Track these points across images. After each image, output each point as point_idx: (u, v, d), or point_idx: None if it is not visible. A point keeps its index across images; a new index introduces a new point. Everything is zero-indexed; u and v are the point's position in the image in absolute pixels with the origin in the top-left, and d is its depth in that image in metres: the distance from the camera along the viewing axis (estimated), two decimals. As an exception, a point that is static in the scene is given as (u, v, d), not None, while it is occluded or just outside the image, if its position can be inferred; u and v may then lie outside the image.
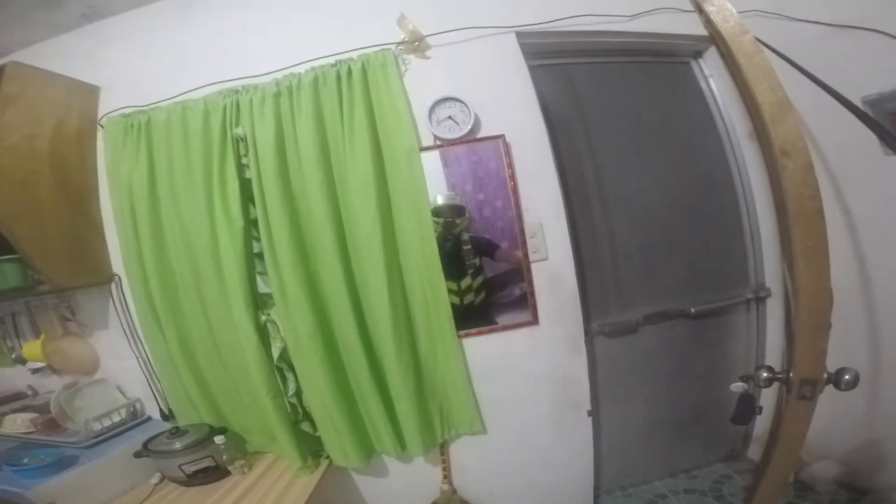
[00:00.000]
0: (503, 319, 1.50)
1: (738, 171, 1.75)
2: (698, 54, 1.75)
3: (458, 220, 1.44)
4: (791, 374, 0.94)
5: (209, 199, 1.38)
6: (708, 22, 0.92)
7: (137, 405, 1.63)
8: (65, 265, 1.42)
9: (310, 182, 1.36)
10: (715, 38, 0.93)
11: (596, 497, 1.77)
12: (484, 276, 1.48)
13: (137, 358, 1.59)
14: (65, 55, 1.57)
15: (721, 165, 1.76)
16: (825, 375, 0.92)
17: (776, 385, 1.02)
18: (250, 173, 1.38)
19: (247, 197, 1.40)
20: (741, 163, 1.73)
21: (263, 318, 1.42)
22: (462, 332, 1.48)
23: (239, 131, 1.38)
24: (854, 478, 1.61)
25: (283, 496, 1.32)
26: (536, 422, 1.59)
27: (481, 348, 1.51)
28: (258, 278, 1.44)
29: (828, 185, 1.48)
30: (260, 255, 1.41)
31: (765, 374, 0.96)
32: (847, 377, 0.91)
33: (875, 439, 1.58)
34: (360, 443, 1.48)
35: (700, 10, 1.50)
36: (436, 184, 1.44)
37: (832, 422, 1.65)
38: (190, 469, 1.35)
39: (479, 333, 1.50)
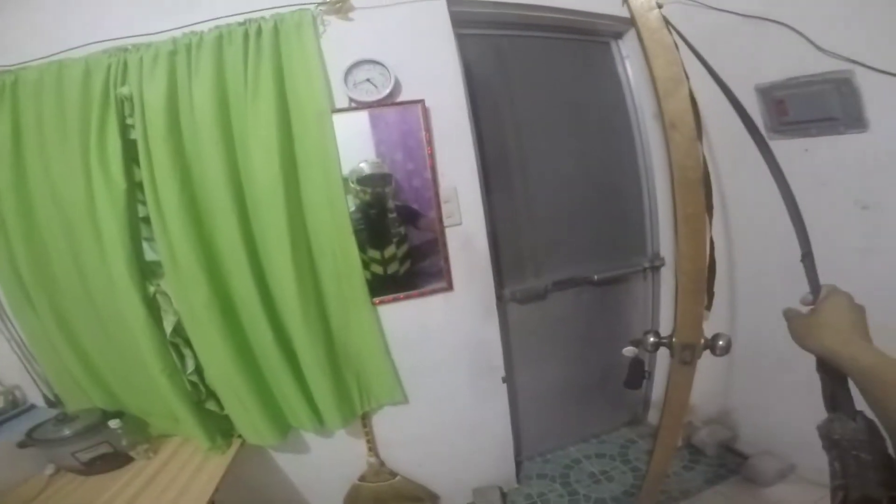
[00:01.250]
0: (425, 287, 1.50)
1: (641, 147, 1.87)
2: (618, 35, 1.82)
3: (386, 189, 1.40)
4: (674, 340, 1.00)
5: (85, 161, 1.24)
6: (624, 1, 0.92)
7: (17, 392, 1.46)
8: None
9: (205, 142, 1.25)
10: (630, 16, 0.93)
11: (518, 463, 1.86)
12: (409, 246, 1.46)
13: (10, 340, 1.42)
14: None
15: (627, 142, 1.87)
16: (702, 340, 0.98)
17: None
18: (135, 133, 1.25)
19: (131, 159, 1.27)
20: (645, 141, 1.85)
21: (152, 288, 1.31)
22: (377, 300, 1.45)
23: (125, 90, 1.24)
24: (735, 441, 1.79)
25: (193, 479, 1.26)
26: (455, 389, 1.63)
27: (398, 315, 1.50)
28: (145, 245, 1.32)
29: (715, 164, 1.63)
30: (147, 220, 1.29)
31: (651, 339, 1.01)
32: (721, 343, 0.98)
33: (750, 406, 1.76)
34: (273, 419, 1.42)
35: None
36: (364, 148, 1.39)
37: (714, 386, 1.83)
38: (85, 457, 1.26)
39: (395, 300, 1.48)
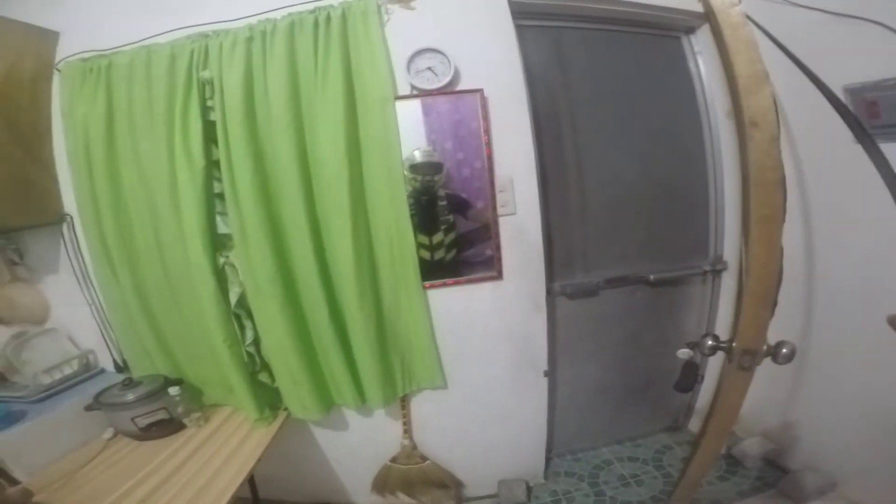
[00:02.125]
0: (471, 275, 1.52)
1: (711, 147, 1.79)
2: (690, 30, 1.74)
3: (436, 178, 1.43)
4: (734, 344, 0.97)
5: (170, 139, 1.33)
6: None
7: (91, 357, 1.58)
8: (10, 205, 1.35)
9: (277, 124, 1.32)
10: (707, 11, 0.90)
11: (548, 460, 1.85)
12: (457, 234, 1.48)
13: (90, 305, 1.54)
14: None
15: (696, 140, 1.79)
16: (765, 347, 0.96)
17: (721, 361, 1.06)
18: (215, 115, 1.33)
19: (210, 139, 1.36)
20: (716, 140, 1.77)
21: (222, 260, 1.39)
22: (427, 283, 1.48)
23: (206, 74, 1.32)
24: (779, 456, 1.72)
25: (238, 448, 1.32)
26: (495, 378, 1.64)
27: (445, 301, 1.53)
28: (218, 219, 1.40)
29: (791, 165, 1.54)
30: (221, 196, 1.37)
31: (709, 342, 1.00)
32: (785, 350, 0.95)
33: (798, 420, 1.68)
34: (319, 394, 1.48)
35: (694, -17, 1.48)
36: (416, 136, 1.41)
37: (763, 399, 1.76)
38: (143, 422, 1.33)
39: (444, 285, 1.51)
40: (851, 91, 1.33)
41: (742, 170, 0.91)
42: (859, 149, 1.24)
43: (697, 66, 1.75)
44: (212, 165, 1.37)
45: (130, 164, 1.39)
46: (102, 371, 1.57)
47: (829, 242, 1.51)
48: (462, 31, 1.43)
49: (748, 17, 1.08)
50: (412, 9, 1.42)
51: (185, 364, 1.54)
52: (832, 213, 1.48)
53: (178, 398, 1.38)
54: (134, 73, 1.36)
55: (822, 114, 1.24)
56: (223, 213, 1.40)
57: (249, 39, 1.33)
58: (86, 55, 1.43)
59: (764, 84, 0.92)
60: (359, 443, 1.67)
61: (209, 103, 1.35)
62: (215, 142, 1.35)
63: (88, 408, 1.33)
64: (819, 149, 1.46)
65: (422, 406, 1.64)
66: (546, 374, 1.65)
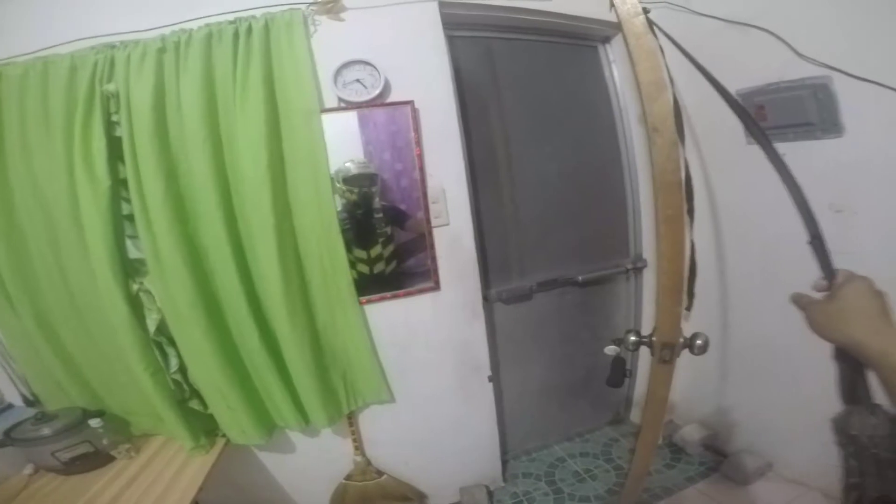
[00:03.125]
0: (409, 287, 1.51)
1: (626, 151, 1.90)
2: (606, 40, 1.84)
3: (373, 189, 1.40)
4: (653, 339, 1.02)
5: (69, 158, 1.23)
6: (612, 5, 0.94)
7: None
8: None
9: (191, 139, 1.25)
10: (618, 20, 0.95)
11: (504, 462, 1.87)
12: (395, 245, 1.46)
13: None
14: None
15: (612, 145, 1.90)
16: (681, 340, 1.01)
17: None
18: (121, 131, 1.24)
19: (116, 156, 1.26)
20: (629, 144, 1.88)
21: (135, 287, 1.30)
22: (363, 299, 1.46)
23: (110, 87, 1.23)
24: (716, 440, 1.83)
25: (176, 478, 1.25)
26: (442, 388, 1.64)
27: (385, 314, 1.51)
28: (128, 242, 1.31)
29: (698, 166, 1.67)
30: (130, 218, 1.28)
31: (632, 338, 1.04)
32: (699, 342, 1.00)
33: (728, 405, 1.80)
34: (258, 418, 1.41)
35: (607, -8, 1.57)
36: (352, 149, 1.39)
37: (695, 388, 1.87)
38: (65, 456, 1.24)
39: (382, 300, 1.49)
40: (742, 95, 1.45)
41: (652, 175, 0.97)
42: (754, 149, 1.36)
43: (612, 73, 1.86)
44: (119, 185, 1.27)
45: (24, 185, 1.26)
46: (10, 406, 1.43)
47: (736, 236, 1.64)
48: (393, 43, 1.42)
49: (654, 26, 1.14)
50: (341, 20, 1.40)
51: (104, 395, 1.43)
52: (734, 210, 1.61)
53: (101, 430, 1.29)
54: (28, 86, 1.24)
55: (722, 117, 1.34)
56: (133, 237, 1.30)
57: (161, 50, 1.25)
58: None
59: (664, 91, 0.98)
60: (309, 463, 1.61)
61: (114, 118, 1.25)
62: (122, 159, 1.26)
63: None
64: (722, 150, 1.59)
65: (372, 421, 1.61)
66: (490, 378, 1.67)
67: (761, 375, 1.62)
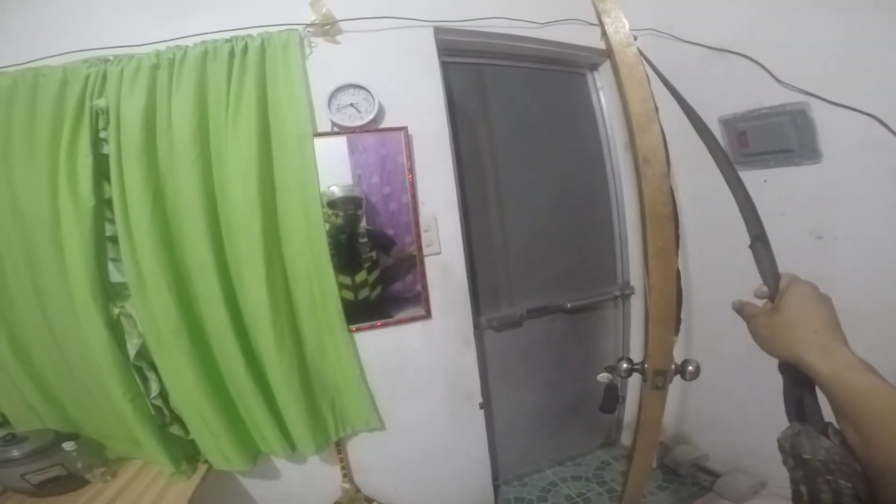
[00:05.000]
0: (400, 315, 1.49)
1: (613, 178, 1.93)
2: (594, 67, 1.89)
3: (358, 213, 1.39)
4: (646, 366, 1.02)
5: (53, 175, 1.19)
6: (604, 33, 0.96)
7: None
8: None
9: (181, 161, 1.22)
10: (607, 49, 0.97)
11: (496, 488, 1.84)
12: (381, 271, 1.45)
13: None
14: None
15: (599, 173, 1.93)
16: (673, 366, 1.01)
17: (640, 379, 1.11)
18: (108, 148, 1.21)
19: (102, 175, 1.23)
20: (616, 171, 1.92)
21: (116, 311, 1.25)
22: (353, 327, 1.43)
23: (100, 102, 1.20)
24: (707, 461, 1.83)
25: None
26: (432, 415, 1.61)
27: (375, 342, 1.48)
28: (110, 265, 1.26)
29: (681, 194, 1.68)
30: (114, 239, 1.24)
31: (625, 366, 1.03)
32: (690, 368, 1.00)
33: (717, 425, 1.81)
34: (242, 445, 1.36)
35: (599, 21, 1.62)
36: (340, 173, 1.38)
37: (684, 409, 1.88)
38: (36, 479, 1.20)
39: (372, 328, 1.47)
40: (724, 122, 1.49)
41: (639, 204, 0.98)
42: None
43: (600, 101, 1.90)
44: (103, 205, 1.23)
45: (2, 198, 1.21)
46: None
47: (716, 264, 1.67)
48: (388, 68, 1.43)
49: (642, 56, 1.17)
50: (337, 42, 1.41)
51: (79, 418, 1.37)
52: (715, 238, 1.63)
53: (75, 453, 1.23)
54: (16, 98, 1.20)
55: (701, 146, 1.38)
56: (116, 260, 1.26)
57: (155, 67, 1.23)
58: None
59: (654, 122, 1.00)
60: (295, 490, 1.55)
61: (102, 135, 1.22)
62: (108, 178, 1.22)
63: None
64: (701, 178, 1.62)
65: (361, 448, 1.57)
66: (481, 406, 1.65)
67: (746, 393, 1.63)
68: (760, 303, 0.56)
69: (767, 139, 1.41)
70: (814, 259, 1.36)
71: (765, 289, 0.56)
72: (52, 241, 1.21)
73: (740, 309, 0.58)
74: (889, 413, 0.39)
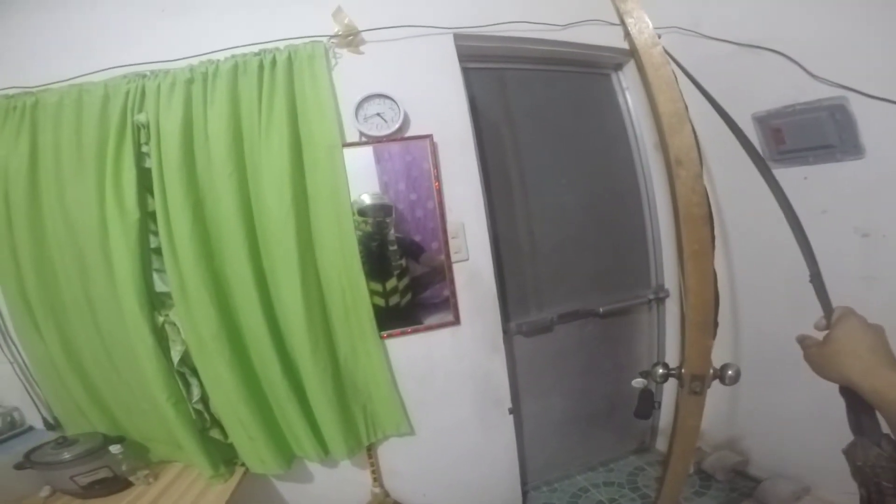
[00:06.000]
0: (429, 320, 1.50)
1: (644, 179, 1.89)
2: (619, 67, 1.86)
3: (387, 220, 1.42)
4: (683, 371, 1.00)
5: (100, 188, 1.25)
6: (627, 34, 0.95)
7: (15, 414, 1.44)
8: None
9: (218, 173, 1.27)
10: (631, 49, 0.96)
11: (524, 493, 1.82)
12: (410, 277, 1.46)
13: (12, 363, 1.41)
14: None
15: (629, 174, 1.89)
16: (711, 371, 0.99)
17: (675, 383, 1.08)
18: (150, 162, 1.27)
19: (145, 188, 1.29)
20: (647, 172, 1.87)
21: (161, 319, 1.31)
22: (384, 333, 1.45)
23: (141, 118, 1.26)
24: (747, 466, 1.77)
25: None
26: (462, 420, 1.61)
27: (405, 349, 1.50)
28: (155, 276, 1.32)
29: (712, 194, 1.64)
30: (158, 251, 1.30)
31: (660, 371, 1.02)
32: (730, 372, 0.98)
33: (758, 430, 1.74)
34: (277, 449, 1.40)
35: (622, 22, 1.60)
36: (367, 181, 1.40)
37: (724, 413, 1.81)
38: (84, 480, 1.25)
39: (403, 334, 1.48)
40: (759, 119, 1.44)
41: (672, 206, 0.96)
42: (777, 172, 1.34)
43: (626, 100, 1.87)
44: (147, 218, 1.29)
45: (56, 213, 1.28)
46: (31, 429, 1.45)
47: (761, 264, 1.60)
48: (411, 76, 1.45)
49: (668, 55, 1.15)
50: (361, 53, 1.44)
51: (125, 421, 1.43)
52: (759, 237, 1.58)
53: (120, 456, 1.28)
54: (63, 114, 1.27)
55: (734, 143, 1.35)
56: (160, 270, 1.31)
57: (190, 81, 1.28)
58: (10, 92, 1.32)
59: (685, 122, 0.98)
60: (327, 494, 1.58)
61: (144, 149, 1.28)
62: (150, 191, 1.28)
63: (18, 466, 1.24)
64: (739, 174, 1.57)
65: (390, 453, 1.59)
66: (511, 411, 1.65)
67: (792, 399, 1.57)
68: (821, 334, 0.62)
69: (805, 135, 1.36)
70: (860, 257, 1.30)
71: (823, 321, 0.64)
72: (101, 252, 1.27)
73: (801, 341, 0.65)
74: None
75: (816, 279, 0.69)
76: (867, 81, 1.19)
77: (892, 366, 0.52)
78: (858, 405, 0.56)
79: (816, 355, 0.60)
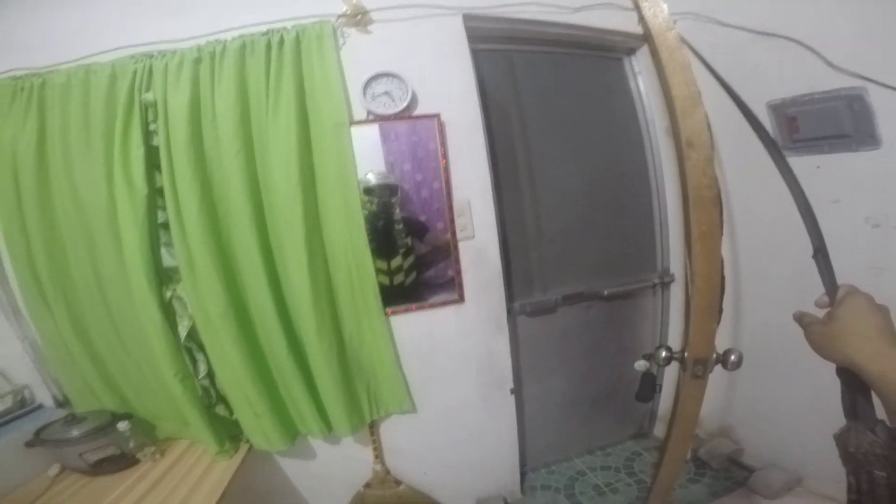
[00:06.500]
0: (433, 299, 1.51)
1: (653, 164, 1.87)
2: (631, 51, 1.82)
3: (392, 200, 1.42)
4: (686, 354, 1.00)
5: (108, 166, 1.26)
6: (641, 18, 0.93)
7: (26, 392, 1.47)
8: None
9: (226, 151, 1.27)
10: (645, 33, 0.94)
11: (523, 475, 1.85)
12: (415, 256, 1.47)
13: (23, 341, 1.43)
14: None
15: (638, 158, 1.87)
16: (714, 355, 0.99)
17: (677, 368, 1.09)
18: (158, 140, 1.27)
19: (153, 165, 1.29)
20: (656, 156, 1.85)
21: (169, 294, 1.33)
22: (389, 310, 1.46)
23: (149, 96, 1.26)
24: (742, 455, 1.79)
25: (199, 483, 1.27)
26: (464, 399, 1.63)
27: (409, 326, 1.51)
28: (163, 250, 1.33)
29: (721, 179, 1.62)
30: (166, 225, 1.31)
31: (664, 354, 1.02)
32: (733, 357, 0.99)
33: (755, 419, 1.76)
34: (282, 425, 1.43)
35: (636, 6, 1.57)
36: (374, 160, 1.40)
37: (721, 401, 1.83)
38: (92, 458, 1.27)
39: (407, 311, 1.49)
40: (773, 107, 1.42)
41: (682, 188, 0.96)
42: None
43: (638, 85, 1.84)
44: (155, 194, 1.30)
45: (65, 191, 1.29)
46: (41, 406, 1.47)
47: (767, 252, 1.60)
48: (419, 55, 1.44)
49: (682, 39, 1.14)
50: (369, 32, 1.42)
51: (132, 398, 1.46)
52: (766, 223, 1.57)
53: (128, 433, 1.31)
54: (70, 94, 1.27)
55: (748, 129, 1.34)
56: (168, 245, 1.32)
57: (197, 61, 1.28)
58: (17, 73, 1.32)
59: (698, 105, 0.97)
60: (328, 471, 1.62)
61: (152, 127, 1.28)
62: (159, 168, 1.29)
63: (29, 444, 1.26)
64: (750, 159, 1.56)
65: (392, 430, 1.61)
66: (512, 391, 1.66)
67: (788, 389, 1.58)
68: (821, 312, 0.59)
69: (820, 125, 1.34)
70: (871, 248, 1.29)
71: (825, 299, 0.61)
72: (109, 229, 1.28)
73: (799, 319, 0.62)
74: None
75: (820, 254, 0.65)
76: (886, 72, 1.17)
77: None
78: (855, 388, 0.54)
79: (818, 334, 0.57)
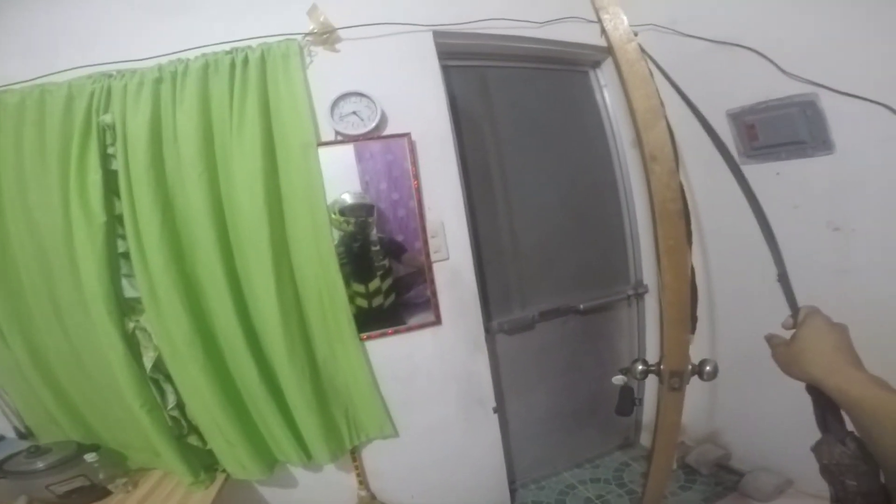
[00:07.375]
0: (412, 321, 1.48)
1: (621, 176, 1.90)
2: (596, 64, 1.87)
3: (369, 219, 1.40)
4: (662, 367, 1.00)
5: (64, 190, 1.21)
6: (603, 31, 0.95)
7: None
8: None
9: (188, 173, 1.24)
10: (608, 46, 0.96)
11: (512, 492, 1.82)
12: (393, 278, 1.45)
13: None
14: None
15: (607, 170, 1.91)
16: (690, 367, 0.99)
17: (656, 380, 1.09)
18: (117, 164, 1.23)
19: (112, 191, 1.24)
20: (624, 168, 1.89)
21: (131, 325, 1.27)
22: (365, 335, 1.43)
23: (107, 118, 1.22)
24: (730, 460, 1.79)
25: None
26: (446, 421, 1.60)
27: (386, 350, 1.48)
28: (124, 281, 1.28)
29: (688, 190, 1.65)
30: (126, 255, 1.26)
31: (640, 367, 1.01)
32: (708, 368, 0.98)
33: (740, 424, 1.77)
34: (258, 454, 1.37)
35: (598, 18, 1.61)
36: (349, 180, 1.38)
37: (705, 407, 1.84)
38: (60, 490, 1.23)
39: (383, 335, 1.46)
40: (733, 116, 1.46)
41: (649, 201, 0.96)
42: (749, 168, 1.35)
43: (604, 98, 1.88)
44: (114, 221, 1.25)
45: (19, 218, 1.24)
46: (2, 438, 1.40)
47: (737, 259, 1.62)
48: (389, 74, 1.43)
49: (643, 51, 1.16)
50: (336, 51, 1.42)
51: (100, 428, 1.39)
52: (735, 232, 1.58)
53: (96, 464, 1.26)
54: (24, 115, 1.22)
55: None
56: (130, 276, 1.27)
57: (158, 80, 1.25)
58: None
59: (659, 118, 0.98)
60: (312, 498, 1.56)
61: (110, 150, 1.24)
62: (118, 194, 1.24)
63: None
64: (714, 173, 1.58)
65: (376, 455, 1.57)
66: (495, 410, 1.64)
67: (771, 392, 1.59)
68: (788, 333, 0.64)
69: (777, 132, 1.38)
70: (831, 251, 1.33)
71: (791, 320, 0.66)
72: (66, 256, 1.23)
73: (769, 340, 0.66)
74: (886, 420, 0.45)
75: (783, 279, 0.72)
76: (837, 78, 1.22)
77: (855, 364, 0.54)
78: (824, 403, 0.57)
79: (783, 354, 0.62)
